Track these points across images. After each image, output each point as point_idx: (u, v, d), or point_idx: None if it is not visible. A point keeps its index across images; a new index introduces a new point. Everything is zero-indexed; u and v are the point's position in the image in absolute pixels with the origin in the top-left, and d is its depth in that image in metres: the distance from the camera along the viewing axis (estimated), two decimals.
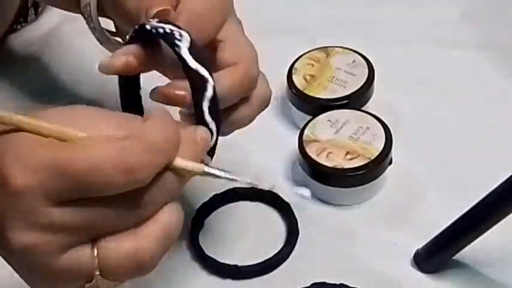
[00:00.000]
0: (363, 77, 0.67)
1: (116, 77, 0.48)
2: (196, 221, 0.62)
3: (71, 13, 0.60)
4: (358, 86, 0.67)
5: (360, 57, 0.69)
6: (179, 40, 0.42)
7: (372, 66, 0.68)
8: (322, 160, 0.61)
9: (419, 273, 0.58)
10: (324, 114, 0.64)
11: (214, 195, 0.63)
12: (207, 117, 0.43)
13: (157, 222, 0.41)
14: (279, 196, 0.63)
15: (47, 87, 0.75)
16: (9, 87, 0.76)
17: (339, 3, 0.82)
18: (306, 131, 0.63)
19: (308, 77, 0.68)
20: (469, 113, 0.69)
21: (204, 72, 0.42)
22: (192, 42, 0.42)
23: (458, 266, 0.57)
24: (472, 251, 0.55)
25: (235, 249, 0.61)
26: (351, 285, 0.56)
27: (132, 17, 0.49)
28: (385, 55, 0.72)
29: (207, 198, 0.63)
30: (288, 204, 0.62)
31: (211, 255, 0.59)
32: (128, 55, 0.45)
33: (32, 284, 0.41)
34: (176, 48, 0.42)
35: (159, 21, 0.44)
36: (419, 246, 0.58)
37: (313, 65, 0.69)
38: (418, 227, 0.60)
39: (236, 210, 0.63)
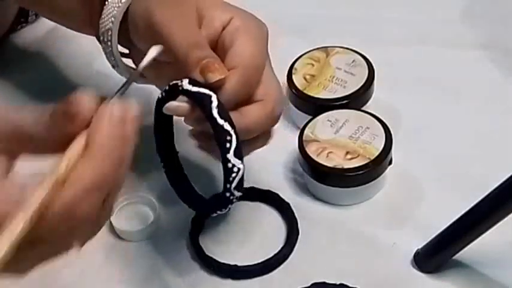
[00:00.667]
0: (363, 77, 0.67)
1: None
2: (196, 221, 0.62)
3: None
4: (358, 86, 0.67)
5: (360, 57, 0.69)
6: (211, 102, 0.48)
7: (372, 66, 0.68)
8: (322, 160, 0.61)
9: (419, 273, 0.58)
10: (324, 114, 0.64)
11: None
12: (234, 160, 0.48)
13: None
14: (279, 196, 0.63)
15: (46, 87, 0.75)
16: (9, 87, 0.76)
17: (339, 3, 0.82)
18: (306, 131, 0.63)
19: (308, 77, 0.68)
20: (469, 113, 0.69)
21: (228, 127, 0.48)
22: (219, 103, 0.48)
23: (458, 266, 0.57)
24: (472, 251, 0.55)
25: (235, 249, 0.61)
26: (350, 285, 0.56)
27: (176, 52, 0.51)
28: (385, 55, 0.72)
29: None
30: (288, 204, 0.62)
31: (211, 255, 0.59)
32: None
33: None
34: (207, 109, 0.48)
35: (190, 82, 0.49)
36: (419, 246, 0.58)
37: (313, 65, 0.69)
38: (418, 227, 0.60)
39: (236, 210, 0.63)
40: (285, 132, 0.69)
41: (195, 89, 0.48)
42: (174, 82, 0.50)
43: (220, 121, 0.47)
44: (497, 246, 0.56)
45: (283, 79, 0.69)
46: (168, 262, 0.60)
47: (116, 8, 0.54)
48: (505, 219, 0.50)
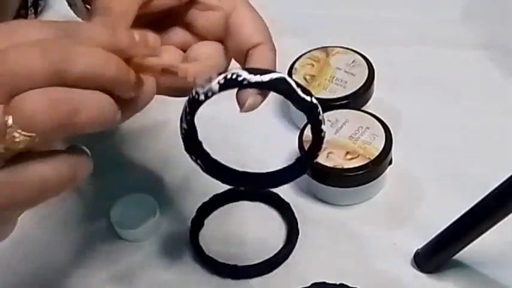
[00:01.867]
0: (363, 77, 0.67)
1: None
2: (196, 221, 0.62)
3: (71, 13, 0.60)
4: (358, 86, 0.67)
5: (360, 57, 0.69)
6: (290, 84, 0.46)
7: (372, 66, 0.68)
8: (322, 160, 0.61)
9: (419, 273, 0.58)
10: (324, 114, 0.64)
11: (214, 195, 0.63)
12: (324, 128, 0.49)
13: None
14: (279, 196, 0.63)
15: None
16: None
17: (339, 3, 0.82)
18: (306, 131, 0.63)
19: (308, 77, 0.68)
20: (469, 113, 0.69)
21: (314, 100, 0.47)
22: (294, 81, 0.47)
23: (458, 266, 0.57)
24: (472, 251, 0.55)
25: (235, 249, 0.61)
26: (351, 285, 0.56)
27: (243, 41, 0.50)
28: (385, 55, 0.72)
29: (207, 198, 0.63)
30: (288, 204, 0.62)
31: (211, 255, 0.59)
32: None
33: None
34: (292, 92, 0.46)
35: (250, 71, 0.46)
36: (419, 246, 0.58)
37: (313, 65, 0.69)
38: (418, 227, 0.60)
39: (236, 210, 0.63)
40: (285, 132, 0.69)
41: (266, 77, 0.45)
42: (225, 78, 0.45)
43: (308, 98, 0.47)
44: (497, 246, 0.56)
45: None
46: (168, 262, 0.60)
47: None
48: (505, 219, 0.50)
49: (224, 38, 0.50)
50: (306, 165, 0.52)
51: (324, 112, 0.65)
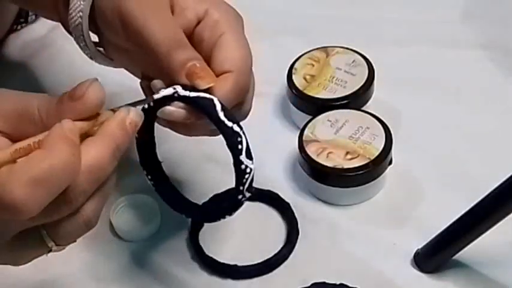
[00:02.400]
0: (363, 77, 0.67)
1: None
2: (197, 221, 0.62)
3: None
4: (358, 86, 0.67)
5: (360, 57, 0.69)
6: (215, 106, 0.47)
7: (372, 66, 0.68)
8: (322, 160, 0.61)
9: (419, 273, 0.58)
10: (324, 114, 0.64)
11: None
12: (246, 162, 0.48)
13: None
14: (279, 196, 0.63)
15: (45, 88, 0.75)
16: (8, 87, 0.76)
17: (339, 3, 0.82)
18: (306, 131, 0.63)
19: (308, 77, 0.68)
20: (469, 113, 0.69)
21: (237, 128, 0.47)
22: (222, 105, 0.47)
23: (458, 266, 0.57)
24: (472, 251, 0.55)
25: (235, 249, 0.61)
26: (351, 285, 0.56)
27: (155, 51, 0.48)
28: (385, 55, 0.72)
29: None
30: (288, 204, 0.62)
31: (211, 255, 0.59)
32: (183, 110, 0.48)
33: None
34: (213, 114, 0.46)
35: (185, 88, 0.47)
36: (419, 246, 0.58)
37: (313, 65, 0.69)
38: (418, 227, 0.60)
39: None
40: (285, 132, 0.69)
41: (193, 94, 0.46)
42: (164, 91, 0.47)
43: (229, 123, 0.46)
44: (497, 246, 0.56)
45: (283, 79, 0.69)
46: (168, 262, 0.60)
47: (81, 2, 0.51)
48: (505, 219, 0.50)
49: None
50: (236, 203, 0.49)
51: (324, 112, 0.65)
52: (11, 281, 0.60)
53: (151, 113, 0.48)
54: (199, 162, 0.67)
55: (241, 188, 0.48)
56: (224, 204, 0.51)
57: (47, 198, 0.38)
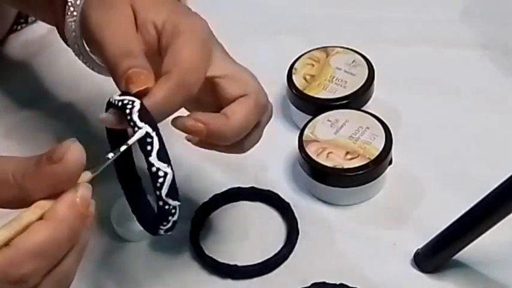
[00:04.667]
0: (363, 77, 0.67)
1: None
2: (196, 221, 0.62)
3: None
4: (358, 86, 0.67)
5: (360, 57, 0.69)
6: (132, 107, 0.46)
7: (372, 66, 0.68)
8: (322, 160, 0.61)
9: (419, 273, 0.58)
10: (324, 114, 0.65)
11: (214, 195, 0.63)
12: (158, 164, 0.45)
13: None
14: (279, 196, 0.63)
15: (45, 88, 0.75)
16: (9, 87, 0.76)
17: (339, 3, 0.82)
18: (306, 131, 0.63)
19: (308, 77, 0.68)
20: (469, 112, 0.69)
21: (149, 129, 0.45)
22: (141, 107, 0.46)
23: (458, 266, 0.57)
24: (472, 251, 0.55)
25: (235, 249, 0.61)
26: (351, 285, 0.56)
27: (108, 62, 0.49)
28: (385, 55, 0.72)
29: (207, 198, 0.63)
30: (288, 204, 0.62)
31: (211, 255, 0.59)
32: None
33: None
34: (128, 115, 0.46)
35: (122, 94, 0.48)
36: (419, 246, 0.58)
37: (313, 65, 0.69)
38: (418, 227, 0.60)
39: (236, 210, 0.63)
40: (285, 132, 0.69)
41: (118, 98, 0.47)
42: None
43: (140, 124, 0.45)
44: (497, 246, 0.56)
45: (283, 79, 0.69)
46: (168, 262, 0.60)
47: (72, 22, 0.53)
48: (505, 219, 0.50)
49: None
50: (163, 213, 0.47)
51: (324, 112, 0.65)
52: None
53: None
54: (199, 162, 0.67)
55: (157, 193, 0.46)
56: (156, 216, 0.48)
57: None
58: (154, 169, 0.45)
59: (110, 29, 0.50)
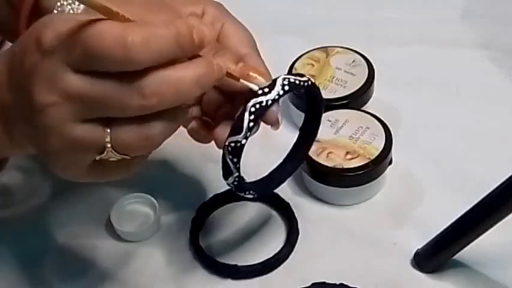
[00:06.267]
0: (363, 77, 0.67)
1: None
2: (196, 221, 0.62)
3: None
4: (358, 86, 0.67)
5: (360, 57, 0.69)
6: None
7: (372, 66, 0.68)
8: (322, 160, 0.61)
9: (419, 273, 0.58)
10: (324, 114, 0.64)
11: (214, 195, 0.63)
12: None
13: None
14: (279, 196, 0.63)
15: None
16: None
17: (339, 3, 0.82)
18: None
19: None
20: (469, 112, 0.69)
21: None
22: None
23: (458, 266, 0.57)
24: (472, 251, 0.55)
25: (235, 249, 0.61)
26: (351, 285, 0.56)
27: None
28: (385, 55, 0.72)
29: (207, 198, 0.63)
30: (288, 204, 0.62)
31: (211, 255, 0.59)
32: None
33: (49, 157, 0.44)
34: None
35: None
36: (419, 246, 0.58)
37: (313, 65, 0.69)
38: (418, 227, 0.60)
39: (236, 210, 0.63)
40: (285, 132, 0.69)
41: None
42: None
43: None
44: (497, 246, 0.56)
45: None
46: (168, 262, 0.60)
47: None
48: (505, 219, 0.50)
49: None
50: None
51: (324, 112, 0.65)
52: (9, 280, 0.60)
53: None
54: (199, 162, 0.67)
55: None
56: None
57: (155, 56, 0.40)
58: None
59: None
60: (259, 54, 0.52)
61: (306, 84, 0.49)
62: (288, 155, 0.57)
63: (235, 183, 0.50)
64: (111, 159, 0.43)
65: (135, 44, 0.39)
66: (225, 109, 0.52)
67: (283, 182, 0.57)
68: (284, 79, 0.48)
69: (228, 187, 0.63)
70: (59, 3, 0.52)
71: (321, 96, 0.53)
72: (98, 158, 0.43)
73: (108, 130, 0.42)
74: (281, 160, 0.57)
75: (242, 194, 0.53)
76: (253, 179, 0.56)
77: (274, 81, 0.48)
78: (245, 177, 0.52)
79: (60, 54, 0.40)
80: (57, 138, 0.42)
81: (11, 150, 0.49)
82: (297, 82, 0.48)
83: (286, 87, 0.48)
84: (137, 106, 0.41)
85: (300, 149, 0.57)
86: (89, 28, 0.39)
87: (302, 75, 0.50)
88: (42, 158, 0.44)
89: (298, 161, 0.57)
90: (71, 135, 0.41)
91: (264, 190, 0.56)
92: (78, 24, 0.40)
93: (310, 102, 0.54)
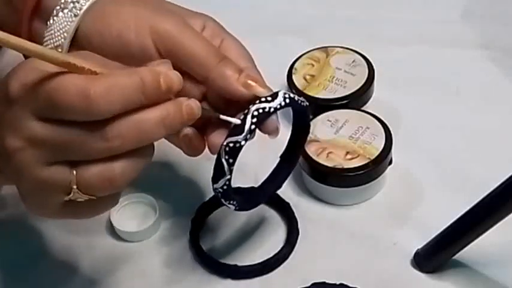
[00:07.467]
0: (363, 77, 0.67)
1: None
2: (196, 221, 0.62)
3: None
4: (358, 86, 0.67)
5: (360, 57, 0.69)
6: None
7: (372, 66, 0.68)
8: (322, 160, 0.61)
9: (419, 273, 0.58)
10: (324, 114, 0.65)
11: (214, 195, 0.63)
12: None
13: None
14: (279, 196, 0.63)
15: None
16: None
17: (339, 3, 0.82)
18: None
19: (308, 77, 0.68)
20: (469, 112, 0.69)
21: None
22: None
23: (458, 266, 0.57)
24: (472, 251, 0.55)
25: (235, 249, 0.61)
26: (351, 285, 0.56)
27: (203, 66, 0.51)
28: (385, 55, 0.72)
29: (207, 198, 0.63)
30: (288, 204, 0.62)
31: (211, 255, 0.59)
32: None
33: (23, 196, 0.47)
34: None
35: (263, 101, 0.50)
36: (419, 246, 0.58)
37: (313, 65, 0.69)
38: (418, 227, 0.60)
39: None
40: (285, 132, 0.69)
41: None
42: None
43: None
44: (497, 246, 0.56)
45: (283, 79, 0.69)
46: (168, 262, 0.60)
47: (69, 23, 0.52)
48: (505, 219, 0.50)
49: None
50: None
51: (324, 112, 0.65)
52: (8, 280, 0.60)
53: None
54: (199, 162, 0.66)
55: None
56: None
57: (119, 106, 0.42)
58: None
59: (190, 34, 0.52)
60: (257, 69, 0.53)
61: (303, 104, 0.52)
62: (267, 178, 0.58)
63: (225, 187, 0.51)
64: (78, 199, 0.45)
65: (97, 95, 0.41)
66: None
67: (260, 203, 0.59)
68: (285, 93, 0.50)
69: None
70: (62, 0, 0.52)
71: (309, 124, 0.56)
72: (66, 198, 0.45)
73: (75, 172, 0.43)
74: (265, 178, 0.58)
75: (226, 203, 0.53)
76: (252, 180, 0.56)
77: (276, 93, 0.50)
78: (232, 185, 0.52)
79: (25, 103, 0.43)
80: (27, 180, 0.44)
81: (5, 182, 0.52)
82: (296, 99, 0.51)
83: (287, 100, 0.50)
84: (101, 149, 0.43)
85: (278, 176, 0.58)
86: (53, 80, 0.42)
87: (299, 96, 0.52)
88: (20, 197, 0.47)
89: (276, 187, 0.58)
90: (38, 177, 0.44)
91: (245, 206, 0.56)
92: (43, 75, 0.42)
93: (296, 127, 0.56)
